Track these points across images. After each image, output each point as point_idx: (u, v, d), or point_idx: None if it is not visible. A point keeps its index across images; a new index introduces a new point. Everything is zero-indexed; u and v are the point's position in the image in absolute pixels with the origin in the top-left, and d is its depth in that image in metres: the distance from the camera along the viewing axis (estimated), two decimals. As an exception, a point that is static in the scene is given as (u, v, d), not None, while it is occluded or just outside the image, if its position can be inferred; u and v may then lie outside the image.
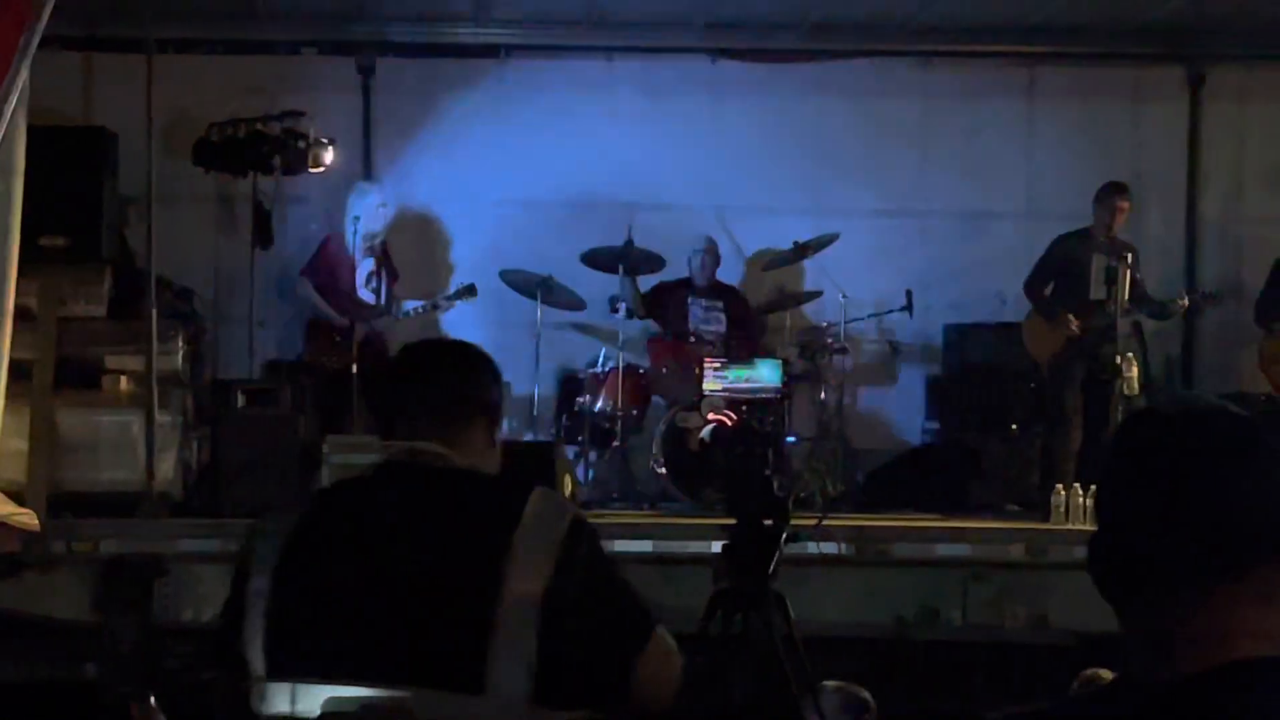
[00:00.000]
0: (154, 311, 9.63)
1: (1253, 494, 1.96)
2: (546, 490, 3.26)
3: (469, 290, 11.36)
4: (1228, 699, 1.90)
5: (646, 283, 11.71)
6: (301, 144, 10.49)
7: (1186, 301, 11.19)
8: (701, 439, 10.44)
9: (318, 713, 3.12)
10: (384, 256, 11.50)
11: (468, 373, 3.50)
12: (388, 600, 3.13)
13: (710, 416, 10.58)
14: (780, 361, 11.04)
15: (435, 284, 11.75)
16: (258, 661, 3.19)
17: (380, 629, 3.12)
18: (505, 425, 11.40)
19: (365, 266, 11.31)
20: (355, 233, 11.10)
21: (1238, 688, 1.91)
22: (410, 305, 11.47)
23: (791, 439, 10.92)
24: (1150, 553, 1.98)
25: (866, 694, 4.13)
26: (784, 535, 3.97)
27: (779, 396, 10.94)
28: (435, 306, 11.40)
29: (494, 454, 3.44)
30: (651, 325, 11.65)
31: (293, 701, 3.14)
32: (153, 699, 4.35)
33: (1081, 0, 11.73)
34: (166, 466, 9.86)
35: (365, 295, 11.32)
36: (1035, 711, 2.13)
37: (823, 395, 11.64)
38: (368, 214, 11.25)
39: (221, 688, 3.38)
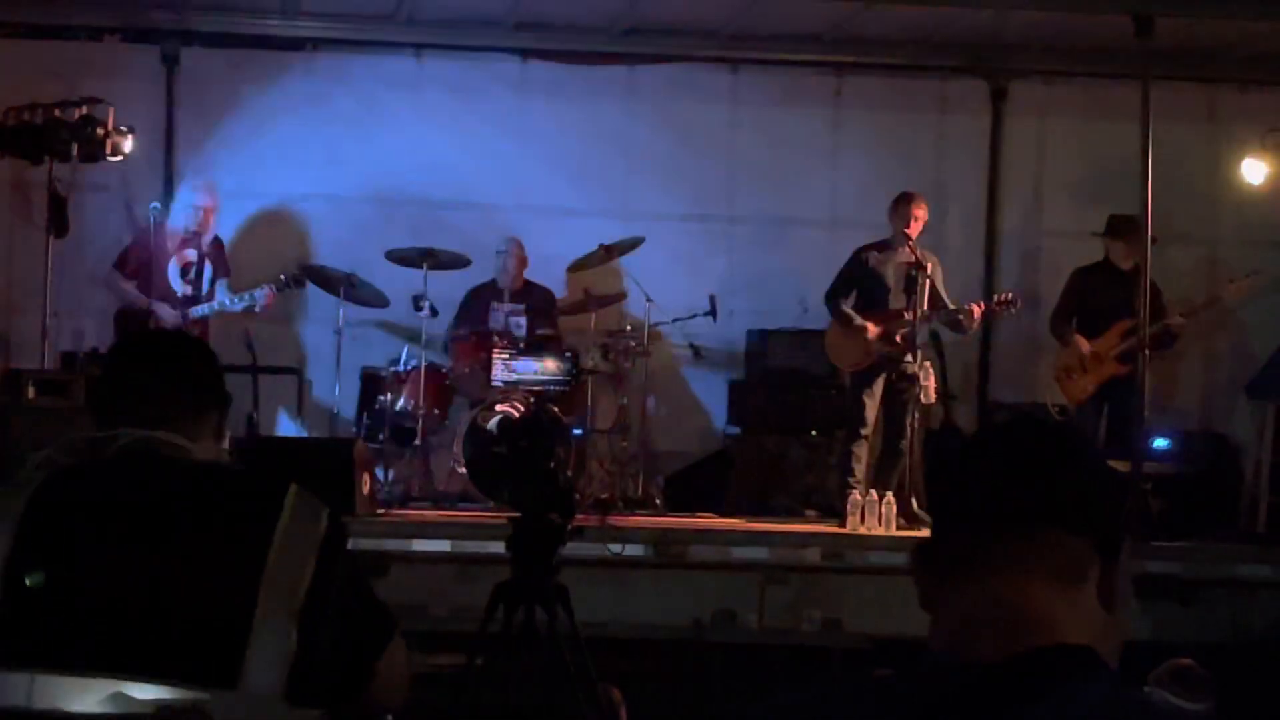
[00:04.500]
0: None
1: (1079, 484, 2.09)
2: (300, 487, 3.21)
3: (296, 280, 11.13)
4: (1031, 683, 1.96)
5: (451, 280, 11.60)
6: (100, 131, 10.25)
7: (977, 318, 11.18)
8: (489, 430, 10.40)
9: (59, 706, 2.99)
10: (212, 252, 11.18)
11: (207, 363, 3.46)
12: (139, 591, 3.04)
13: (498, 408, 10.55)
14: (569, 354, 11.03)
15: (237, 279, 11.53)
16: None
17: (131, 620, 3.03)
18: (307, 422, 11.25)
19: (182, 257, 11.06)
20: (179, 225, 10.95)
21: (1040, 673, 1.97)
22: (222, 298, 11.17)
23: (578, 431, 10.91)
24: (975, 537, 2.08)
25: (616, 693, 4.17)
26: (567, 529, 3.96)
27: (568, 389, 10.94)
28: (253, 298, 11.07)
29: (222, 448, 3.40)
30: (457, 328, 11.58)
31: (29, 694, 3.00)
32: None
33: (888, 12, 11.85)
34: (-47, 458, 9.62)
35: (179, 287, 11.07)
36: (831, 694, 2.15)
37: (624, 398, 11.66)
38: (186, 210, 11.06)
39: None
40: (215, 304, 11.08)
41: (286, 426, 11.84)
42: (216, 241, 11.29)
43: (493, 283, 11.76)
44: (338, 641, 3.11)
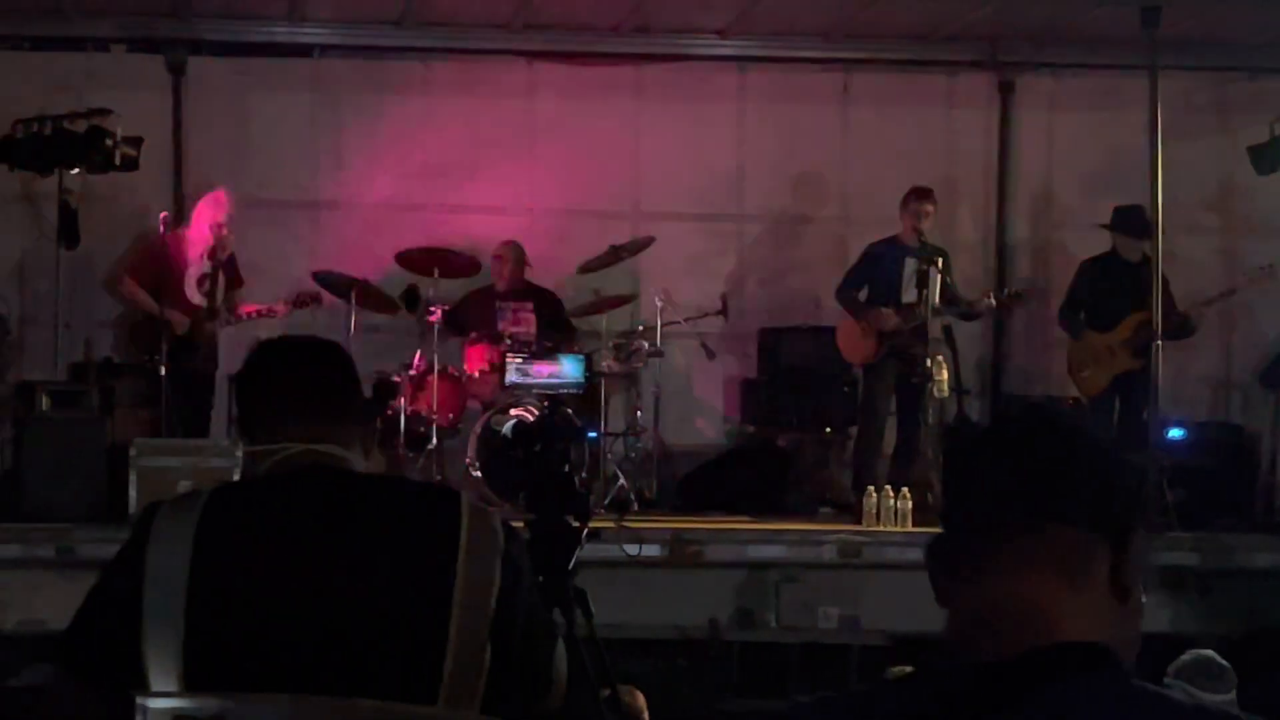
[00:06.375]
0: (-48, 312, 9.42)
1: (1086, 478, 2.09)
2: (470, 496, 3.21)
3: (313, 297, 11.10)
4: (1039, 681, 1.96)
5: (461, 283, 11.61)
6: (109, 142, 10.29)
7: (993, 301, 11.32)
8: (503, 434, 10.37)
9: None
10: (227, 263, 11.16)
11: (353, 372, 3.39)
12: (328, 609, 2.99)
13: (512, 412, 10.54)
14: (584, 357, 11.03)
15: (248, 286, 11.50)
16: (165, 672, 2.97)
17: (324, 639, 2.99)
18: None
19: (198, 269, 11.04)
20: (197, 239, 10.93)
21: (1049, 670, 1.97)
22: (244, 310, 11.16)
23: (593, 435, 10.90)
24: (984, 534, 2.08)
25: (639, 696, 4.17)
26: (584, 532, 3.97)
27: (583, 392, 10.93)
28: (272, 312, 11.08)
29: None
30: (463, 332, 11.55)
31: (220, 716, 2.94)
32: None
33: (896, 7, 11.84)
34: (-33, 470, 9.66)
35: (194, 298, 11.04)
36: (850, 694, 2.16)
37: (638, 398, 11.65)
38: (209, 223, 11.00)
39: (76, 698, 3.14)
40: (230, 317, 11.05)
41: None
42: (232, 256, 11.27)
43: (491, 285, 11.76)
44: (524, 646, 3.12)
